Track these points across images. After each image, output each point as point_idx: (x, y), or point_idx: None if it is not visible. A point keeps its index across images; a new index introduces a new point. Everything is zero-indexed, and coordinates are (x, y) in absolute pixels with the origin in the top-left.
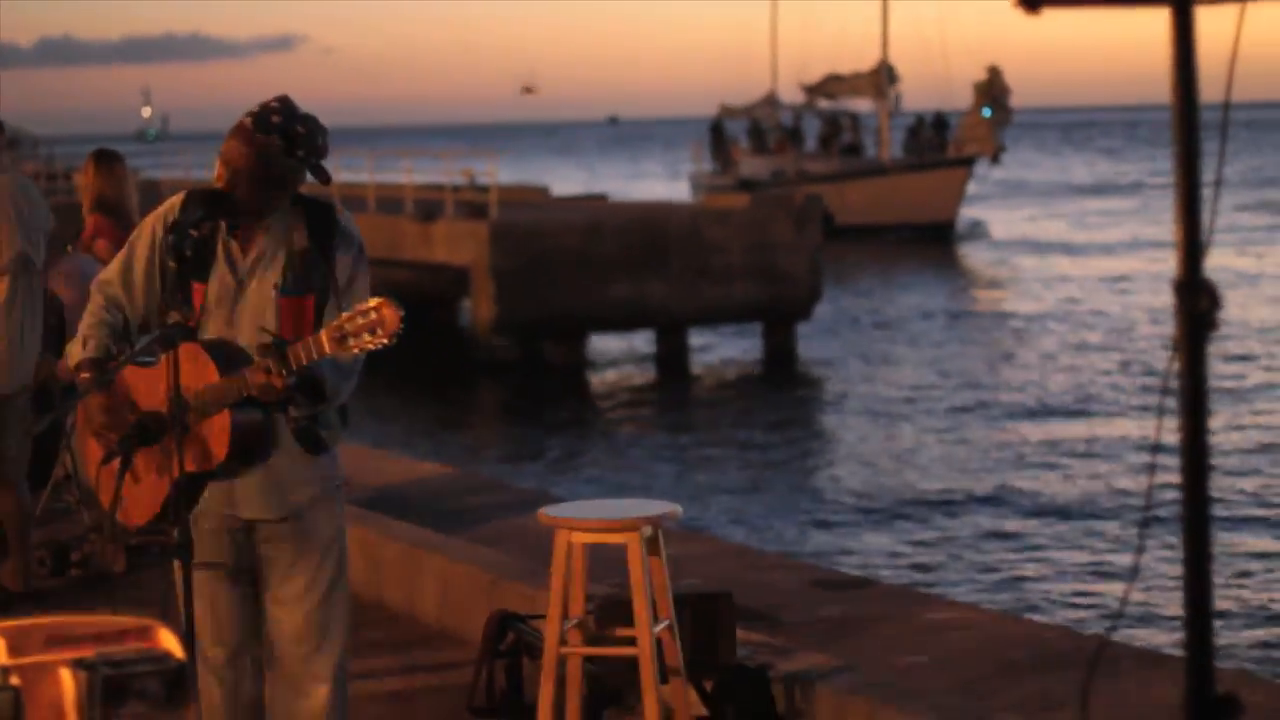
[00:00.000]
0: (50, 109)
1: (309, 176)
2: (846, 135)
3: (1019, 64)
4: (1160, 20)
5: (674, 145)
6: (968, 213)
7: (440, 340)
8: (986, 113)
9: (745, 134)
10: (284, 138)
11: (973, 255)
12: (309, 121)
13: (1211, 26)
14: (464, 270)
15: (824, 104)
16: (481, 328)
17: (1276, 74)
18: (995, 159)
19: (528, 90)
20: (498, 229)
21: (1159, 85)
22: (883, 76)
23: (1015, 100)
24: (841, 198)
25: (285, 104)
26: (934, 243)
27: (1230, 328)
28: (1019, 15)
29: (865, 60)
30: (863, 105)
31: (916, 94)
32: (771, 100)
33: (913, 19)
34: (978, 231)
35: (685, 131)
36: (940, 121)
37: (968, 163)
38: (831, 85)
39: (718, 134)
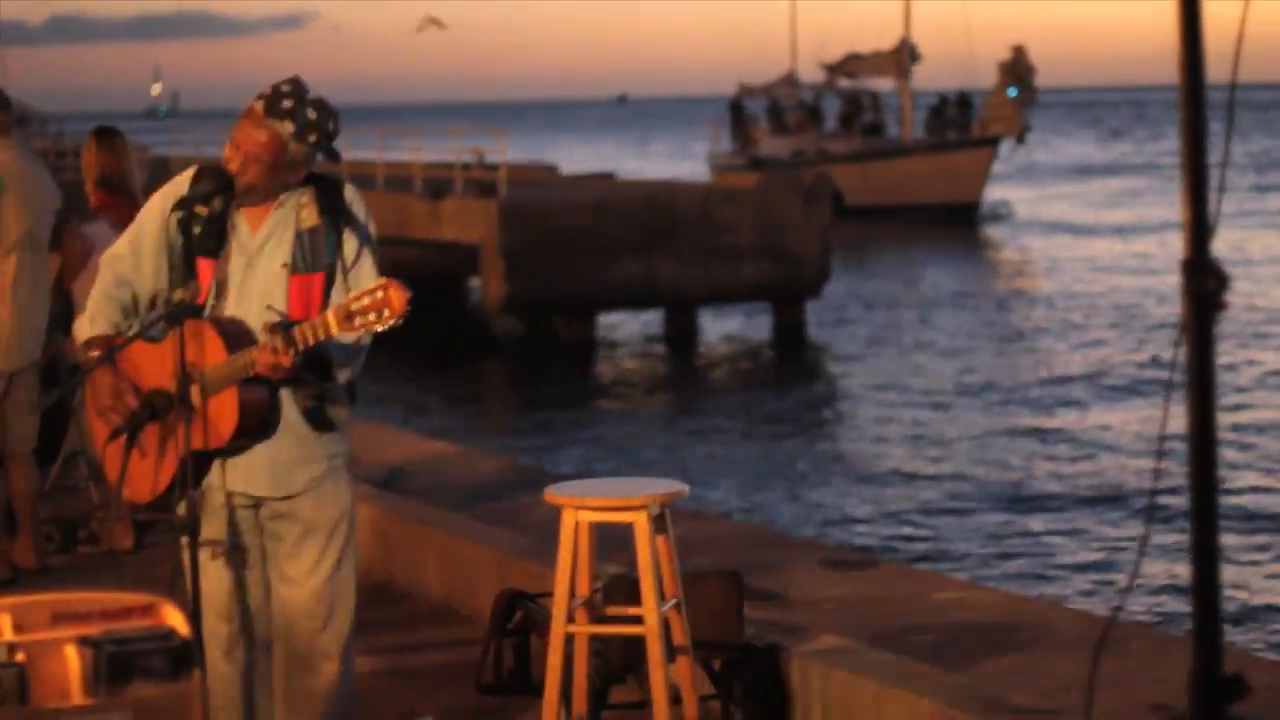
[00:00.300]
0: (60, 86)
1: (319, 157)
2: (868, 115)
3: (1045, 43)
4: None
5: (686, 124)
6: (992, 193)
7: (449, 318)
8: (1012, 92)
9: (765, 113)
10: (295, 121)
11: (996, 237)
12: (320, 106)
13: (1218, 7)
14: (473, 248)
15: (844, 83)
16: (491, 306)
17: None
18: (1021, 139)
19: (433, 23)
20: (507, 207)
21: (1164, 66)
22: (905, 55)
23: (1040, 80)
24: (864, 178)
25: (296, 87)
26: (958, 224)
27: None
28: None
29: (886, 39)
30: (884, 84)
31: (939, 73)
32: (791, 79)
33: None
34: (1002, 212)
35: (696, 110)
36: (964, 101)
37: (992, 143)
38: (852, 64)
39: (737, 113)
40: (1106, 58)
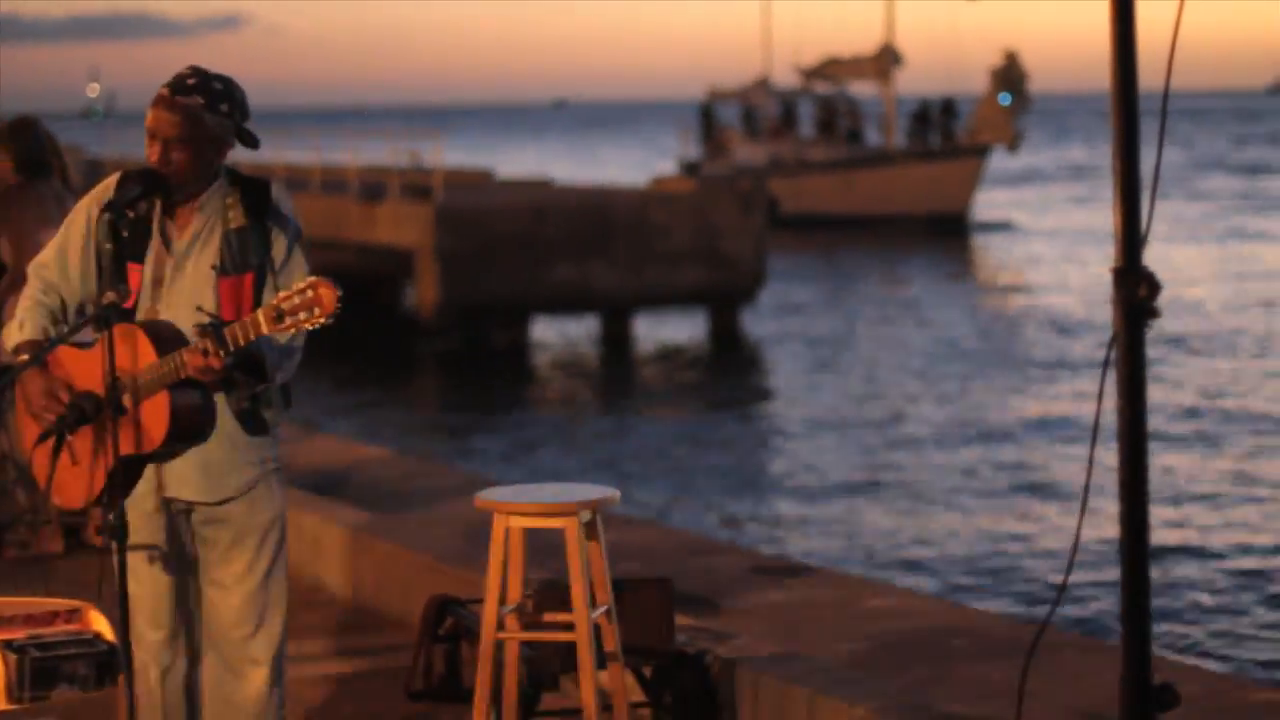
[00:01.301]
0: None
1: (237, 143)
2: (844, 121)
3: (1041, 48)
4: (1145, 8)
5: (629, 130)
6: (984, 203)
7: (383, 322)
8: (1004, 99)
9: (739, 119)
10: (204, 95)
11: (986, 248)
12: (224, 80)
13: (1152, 14)
14: (408, 252)
15: (822, 88)
16: (425, 310)
17: (1219, 63)
18: (1013, 147)
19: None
20: (443, 211)
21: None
22: (888, 59)
23: (1035, 86)
24: (846, 187)
25: (196, 69)
26: (945, 235)
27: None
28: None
29: (861, 42)
30: (864, 90)
31: (921, 78)
32: (765, 84)
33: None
34: (992, 224)
35: (640, 115)
36: (948, 108)
37: (982, 151)
38: (831, 68)
39: (708, 119)
40: (1102, 63)
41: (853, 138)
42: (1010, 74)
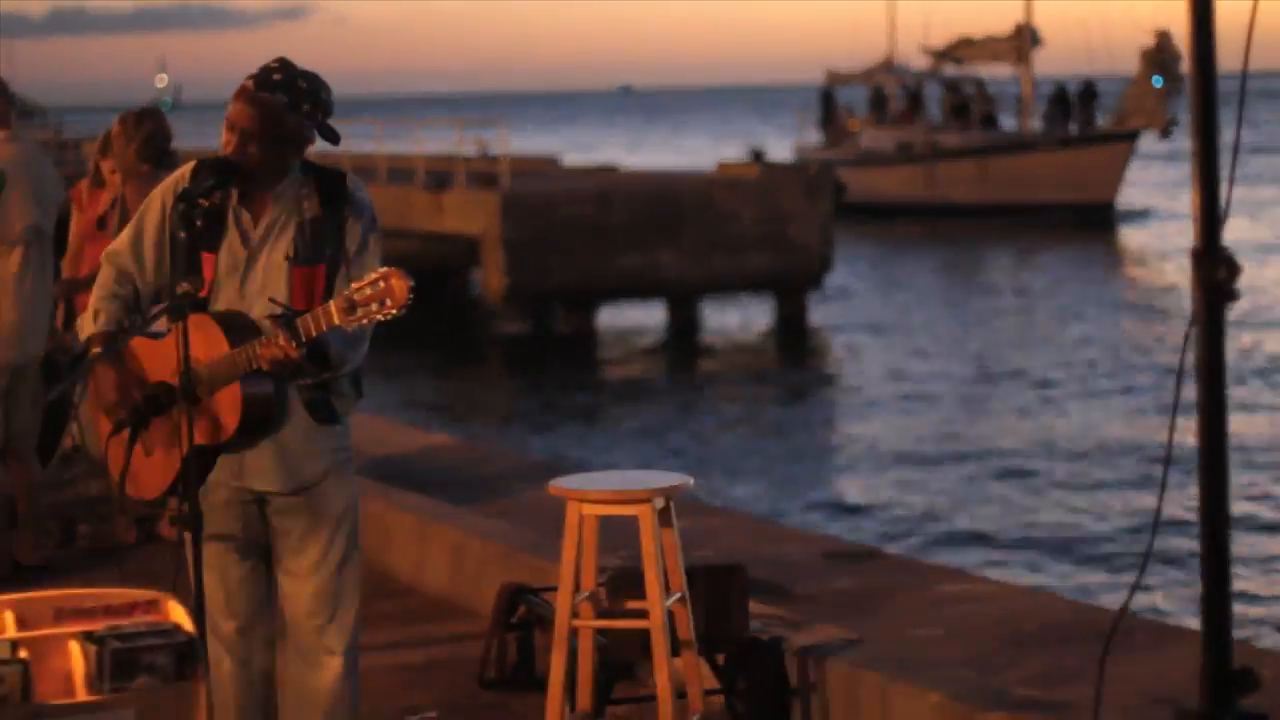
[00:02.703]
0: (63, 79)
1: (317, 137)
2: (978, 105)
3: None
4: None
5: (700, 116)
6: (1129, 188)
7: (451, 311)
8: (1158, 82)
9: (867, 102)
10: (287, 93)
11: (1134, 241)
12: (310, 77)
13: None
14: (475, 240)
15: (951, 70)
16: (492, 298)
17: None
18: (1166, 133)
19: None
20: (509, 199)
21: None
22: (1026, 40)
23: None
24: (982, 175)
25: (284, 63)
26: (1090, 227)
27: None
28: None
29: (993, 21)
30: (999, 71)
31: (1055, 60)
32: (889, 65)
33: None
34: (1137, 211)
35: (706, 102)
36: (1088, 90)
37: (1131, 137)
38: (962, 49)
39: (828, 103)
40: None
41: (987, 122)
42: (1163, 55)
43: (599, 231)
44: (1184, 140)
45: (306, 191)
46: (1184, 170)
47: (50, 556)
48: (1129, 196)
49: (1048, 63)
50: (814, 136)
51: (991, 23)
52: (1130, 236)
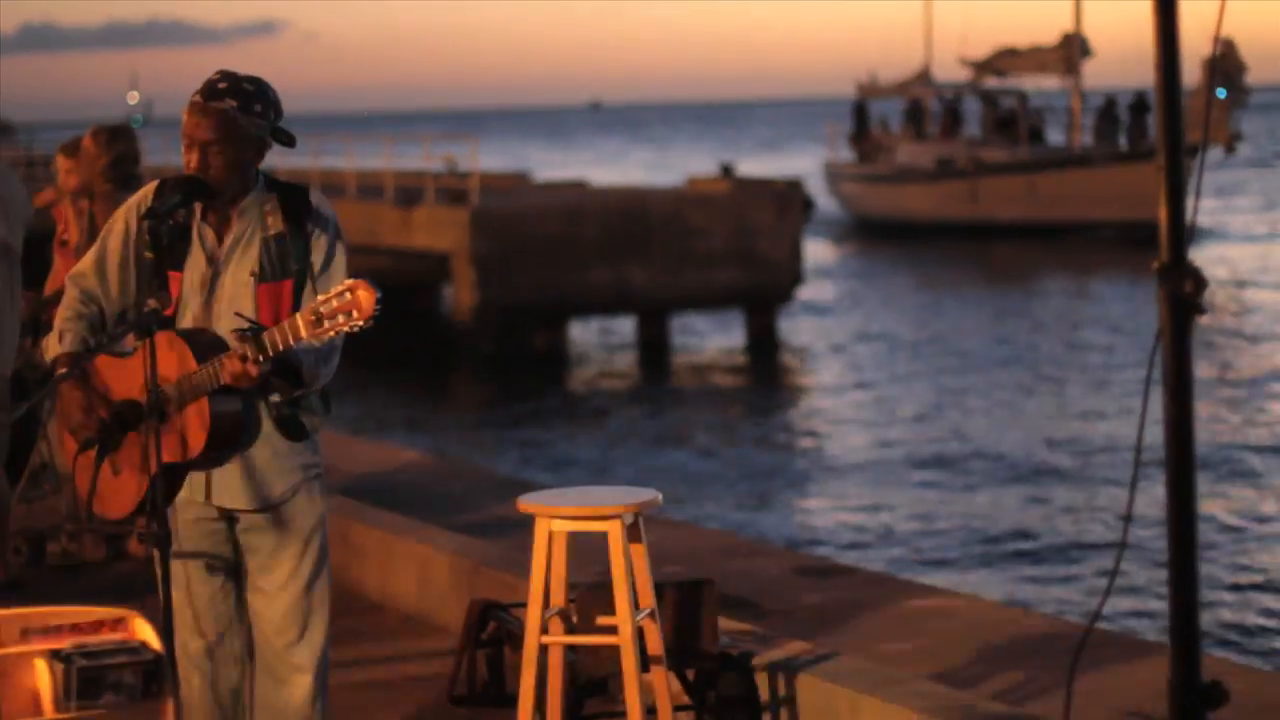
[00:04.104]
0: (33, 96)
1: (272, 143)
2: (1025, 118)
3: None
4: None
5: (661, 131)
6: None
7: (421, 327)
8: (1221, 94)
9: (902, 116)
10: (236, 98)
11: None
12: (254, 80)
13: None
14: (445, 257)
15: (992, 82)
16: (462, 314)
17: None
18: (1230, 148)
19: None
20: (479, 215)
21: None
22: (1075, 49)
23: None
24: (1030, 192)
25: (225, 73)
26: (1145, 245)
27: None
28: None
29: (1033, 31)
30: (1048, 83)
31: (1101, 72)
32: (925, 77)
33: None
34: (1204, 235)
35: (675, 117)
36: (1140, 103)
37: (1190, 152)
38: (1005, 60)
39: (861, 117)
40: None
41: (1034, 137)
42: (1227, 65)
43: (569, 247)
44: (1249, 153)
45: (270, 207)
46: (1246, 186)
47: (18, 574)
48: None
49: (1096, 75)
50: (845, 152)
51: (1032, 32)
52: (1194, 256)
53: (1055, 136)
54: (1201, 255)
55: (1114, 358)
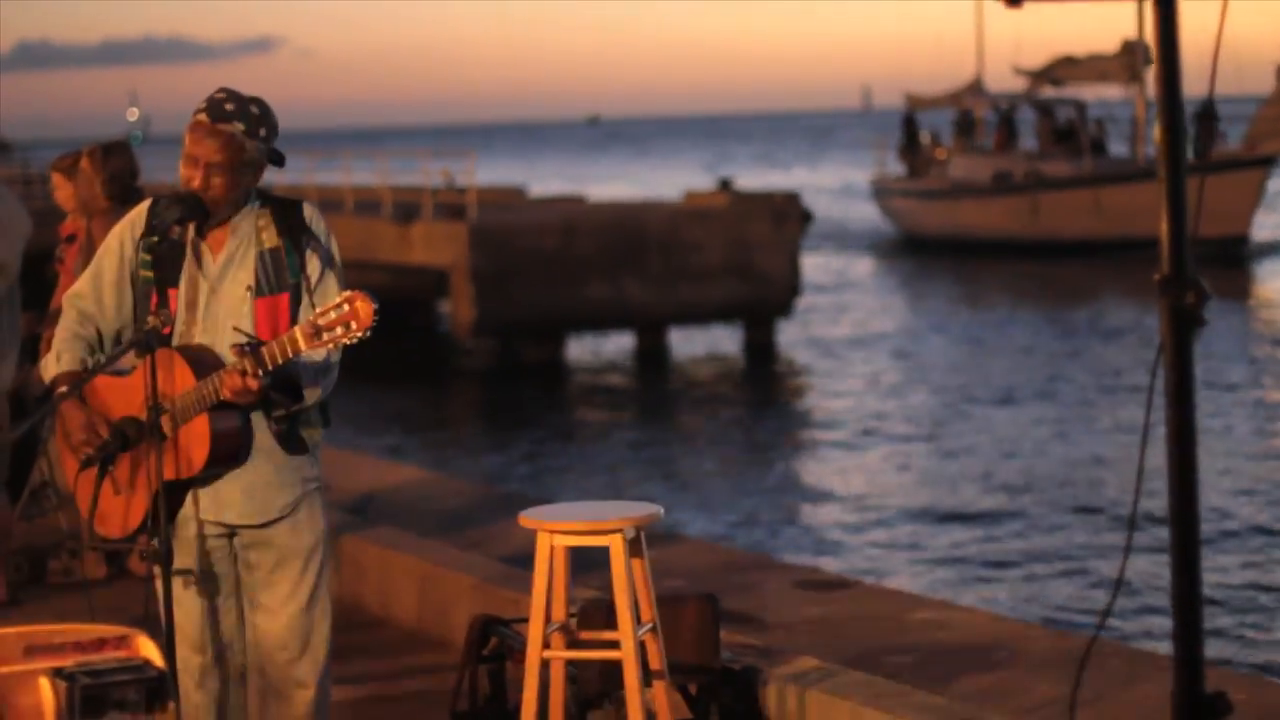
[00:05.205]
0: (31, 114)
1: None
2: (1086, 129)
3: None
4: None
5: (660, 145)
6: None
7: (419, 342)
8: None
9: (954, 127)
10: (244, 121)
11: (1273, 279)
12: (258, 102)
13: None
14: (443, 272)
15: (1049, 91)
16: (461, 329)
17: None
18: None
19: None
20: (477, 230)
21: None
22: (1138, 57)
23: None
24: (1096, 206)
25: (230, 92)
26: (1220, 263)
27: None
28: None
29: (1092, 38)
30: (1110, 93)
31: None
32: (978, 88)
33: None
34: (1272, 244)
35: (673, 130)
36: (1207, 112)
37: (1266, 163)
38: (1063, 69)
39: (910, 129)
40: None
41: (1097, 149)
42: None
43: (567, 262)
44: None
45: (263, 222)
46: None
47: (20, 592)
48: (1265, 229)
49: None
50: (895, 166)
51: (1085, 40)
52: (1269, 273)
53: (1116, 148)
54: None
55: (1139, 377)
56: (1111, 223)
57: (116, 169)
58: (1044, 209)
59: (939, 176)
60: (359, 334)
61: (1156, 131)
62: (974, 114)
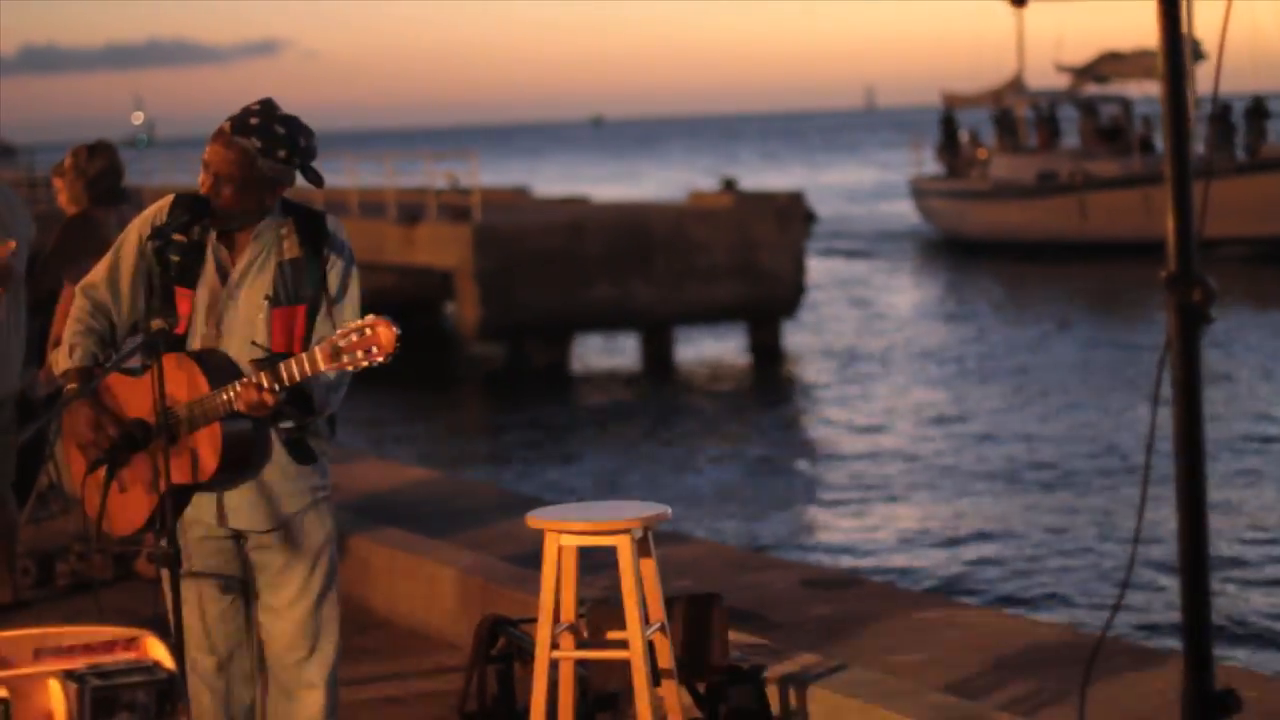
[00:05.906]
0: (35, 117)
1: (299, 179)
2: (1133, 127)
3: None
4: None
5: (664, 145)
6: None
7: (425, 344)
8: None
9: (995, 125)
10: (262, 138)
11: None
12: (289, 122)
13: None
14: (448, 273)
15: (1092, 88)
16: (466, 331)
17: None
18: None
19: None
20: (481, 231)
21: None
22: (1186, 53)
23: None
24: (1146, 206)
25: (265, 106)
26: (1271, 262)
27: None
28: None
29: (1135, 34)
30: (1151, 90)
31: (1209, 76)
32: (1018, 85)
33: None
34: None
35: (676, 132)
36: (1258, 109)
37: None
38: (1107, 65)
39: (949, 129)
40: None
41: (1145, 147)
42: None
43: (571, 263)
44: None
45: (285, 231)
46: None
47: (28, 595)
48: None
49: (1205, 79)
50: (931, 166)
51: (1130, 35)
52: None
53: (1162, 146)
54: None
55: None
56: (1162, 222)
57: (100, 169)
58: (1092, 209)
59: (981, 177)
60: (380, 359)
61: (1202, 129)
62: (1013, 112)
